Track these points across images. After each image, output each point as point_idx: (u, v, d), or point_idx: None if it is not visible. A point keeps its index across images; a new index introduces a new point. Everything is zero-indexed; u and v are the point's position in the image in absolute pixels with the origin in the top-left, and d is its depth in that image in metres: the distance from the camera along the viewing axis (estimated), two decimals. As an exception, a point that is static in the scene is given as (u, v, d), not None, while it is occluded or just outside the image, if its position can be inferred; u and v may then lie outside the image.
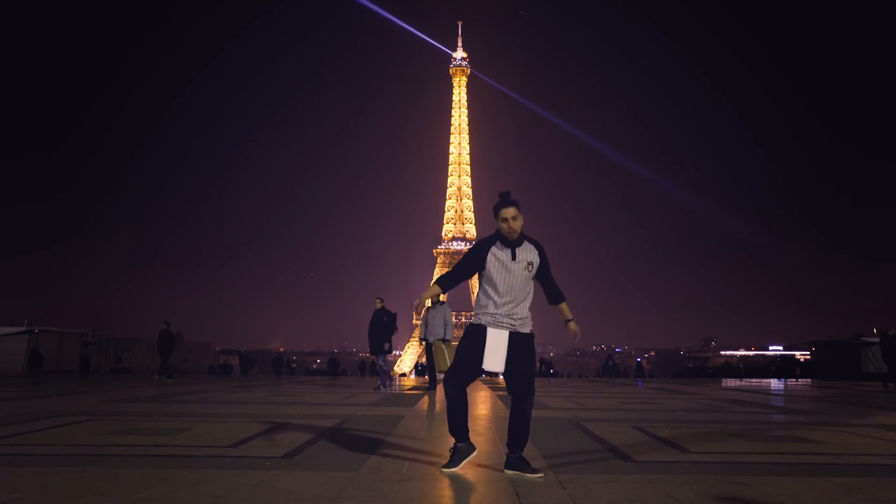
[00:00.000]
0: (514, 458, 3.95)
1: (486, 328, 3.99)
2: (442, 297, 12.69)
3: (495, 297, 4.01)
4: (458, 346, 4.11)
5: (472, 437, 5.51)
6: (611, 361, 36.32)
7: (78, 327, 25.67)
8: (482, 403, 9.83)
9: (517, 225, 3.96)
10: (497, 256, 3.98)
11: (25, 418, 6.75)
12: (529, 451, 4.69)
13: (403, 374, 40.24)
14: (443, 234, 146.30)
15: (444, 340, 12.34)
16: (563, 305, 4.29)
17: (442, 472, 3.96)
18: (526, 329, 4.03)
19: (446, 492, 3.53)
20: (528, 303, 4.07)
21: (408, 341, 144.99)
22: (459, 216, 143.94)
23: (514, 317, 3.99)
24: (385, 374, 13.65)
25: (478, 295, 4.15)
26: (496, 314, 3.99)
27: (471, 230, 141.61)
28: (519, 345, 3.97)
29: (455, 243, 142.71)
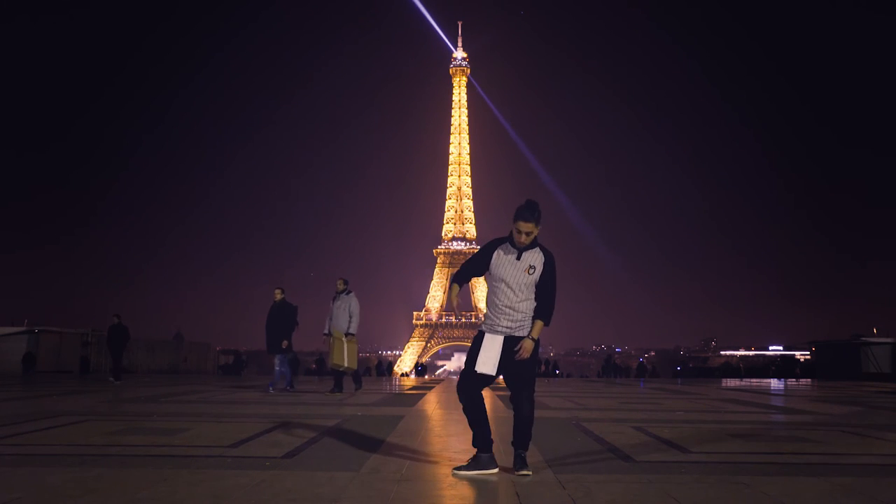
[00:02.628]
0: (515, 454, 4.01)
1: (483, 333, 4.07)
2: (340, 285, 11.23)
3: (495, 299, 4.08)
4: (467, 354, 4.18)
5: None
6: (605, 363, 36.27)
7: (78, 327, 25.65)
8: (482, 403, 9.82)
9: (525, 240, 4.04)
10: (502, 254, 4.10)
11: (25, 418, 6.76)
12: (529, 451, 4.70)
13: (405, 374, 40.19)
14: (443, 234, 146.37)
15: (347, 334, 10.93)
16: (538, 322, 4.05)
17: (454, 473, 3.96)
18: (523, 332, 4.04)
19: (446, 492, 3.53)
20: (528, 307, 4.06)
21: (407, 341, 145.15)
22: (459, 216, 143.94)
23: (513, 319, 4.01)
24: (285, 375, 11.83)
25: (487, 303, 4.24)
26: (493, 319, 4.06)
27: (471, 230, 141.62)
28: (514, 348, 4.00)
29: (455, 243, 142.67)
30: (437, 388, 14.88)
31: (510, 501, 3.30)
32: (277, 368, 11.79)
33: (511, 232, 4.11)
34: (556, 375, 35.18)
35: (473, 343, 4.12)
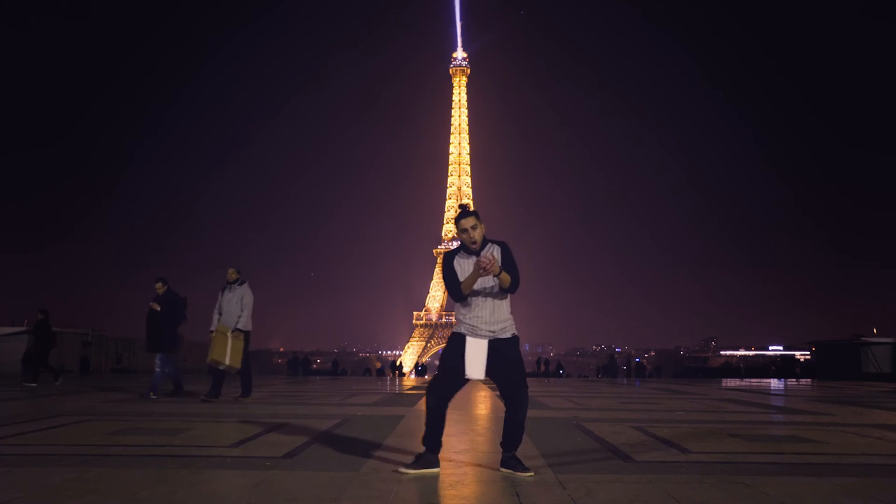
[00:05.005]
0: (508, 457, 4.00)
1: (465, 337, 4.01)
2: (232, 275, 9.67)
3: (471, 303, 4.02)
4: (441, 356, 4.12)
5: (472, 437, 5.52)
6: (608, 363, 36.15)
7: (78, 327, 25.64)
8: (482, 403, 9.83)
9: (477, 234, 4.05)
10: (462, 265, 4.06)
11: (25, 418, 6.76)
12: (529, 451, 4.70)
13: (403, 374, 40.15)
14: (443, 234, 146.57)
15: (234, 329, 9.39)
16: (504, 274, 3.95)
17: (400, 471, 3.93)
18: (507, 334, 4.03)
19: (446, 492, 3.53)
20: (505, 306, 4.06)
21: (408, 341, 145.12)
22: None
23: (494, 322, 4.00)
24: (172, 377, 10.47)
25: (456, 305, 4.16)
26: (474, 322, 4.00)
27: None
28: (502, 351, 3.97)
29: (455, 243, 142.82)
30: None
31: (510, 501, 3.29)
32: (158, 370, 10.31)
33: (460, 244, 4.14)
34: (560, 375, 35.16)
35: (451, 346, 4.04)
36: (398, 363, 36.46)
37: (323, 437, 5.50)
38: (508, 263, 4.03)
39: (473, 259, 4.03)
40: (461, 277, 4.01)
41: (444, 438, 5.67)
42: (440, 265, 4.13)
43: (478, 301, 4.01)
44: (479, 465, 4.24)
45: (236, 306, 9.49)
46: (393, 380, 23.53)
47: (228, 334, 9.37)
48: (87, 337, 25.50)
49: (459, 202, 4.51)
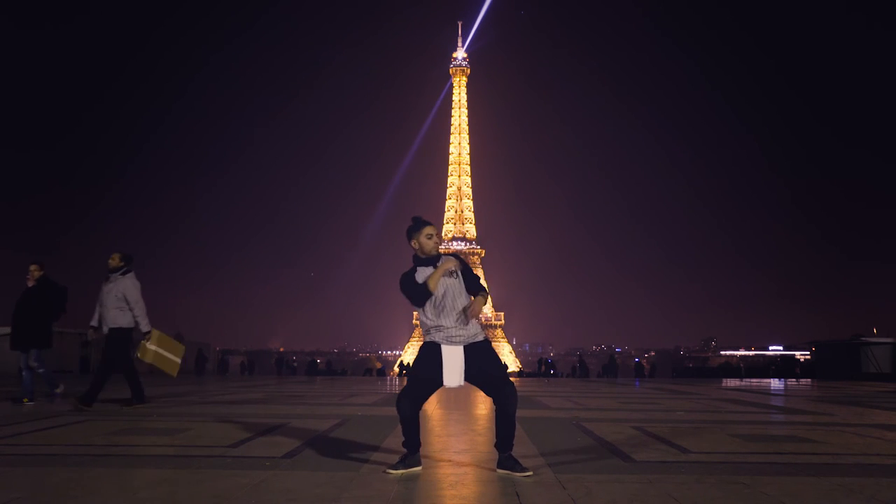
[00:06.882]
0: (504, 457, 3.99)
1: (440, 346, 4.02)
2: (113, 262, 8.24)
3: (439, 313, 4.04)
4: (414, 365, 4.14)
5: (472, 437, 5.53)
6: (608, 362, 36.03)
7: (78, 327, 25.62)
8: (482, 403, 9.82)
9: (439, 242, 4.15)
10: (424, 275, 4.08)
11: (25, 418, 6.76)
12: (528, 450, 4.71)
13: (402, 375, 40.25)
14: (443, 234, 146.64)
15: (145, 335, 8.17)
16: (478, 297, 4.10)
17: (386, 472, 3.94)
18: (480, 338, 4.07)
19: (446, 491, 3.53)
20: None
21: (407, 341, 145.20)
22: (459, 216, 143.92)
23: (466, 329, 4.02)
24: (46, 377, 9.05)
25: (420, 318, 4.18)
26: (447, 331, 4.01)
27: (471, 230, 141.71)
28: (477, 353, 4.01)
29: (455, 243, 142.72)
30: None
31: (510, 501, 3.30)
32: (42, 370, 8.99)
33: (414, 256, 4.17)
34: (552, 375, 35.09)
35: (425, 355, 4.05)
36: (405, 364, 36.52)
37: (323, 438, 5.50)
38: (467, 271, 4.12)
39: (430, 268, 4.08)
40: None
41: (444, 439, 5.68)
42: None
43: (442, 306, 4.03)
44: (479, 466, 4.24)
45: (116, 301, 8.08)
46: (393, 380, 23.54)
47: (146, 345, 8.24)
48: (86, 337, 25.44)
49: (413, 216, 4.56)
